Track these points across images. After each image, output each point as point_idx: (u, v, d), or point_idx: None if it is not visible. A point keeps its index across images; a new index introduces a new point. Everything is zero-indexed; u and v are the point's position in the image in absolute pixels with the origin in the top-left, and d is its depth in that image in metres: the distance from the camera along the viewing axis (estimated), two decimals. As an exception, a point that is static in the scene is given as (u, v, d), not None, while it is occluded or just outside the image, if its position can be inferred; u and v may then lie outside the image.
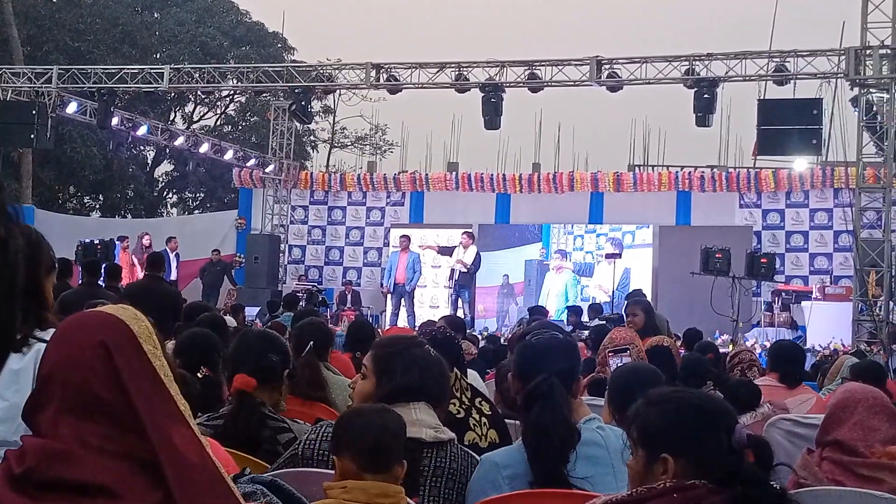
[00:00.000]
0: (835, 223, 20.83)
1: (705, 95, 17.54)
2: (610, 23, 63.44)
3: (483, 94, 18.73)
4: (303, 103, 20.28)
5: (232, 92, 31.97)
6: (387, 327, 18.16)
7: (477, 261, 20.19)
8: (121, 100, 22.56)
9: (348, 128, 40.61)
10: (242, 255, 23.72)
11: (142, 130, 23.28)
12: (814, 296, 18.17)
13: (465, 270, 20.05)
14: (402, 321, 19.98)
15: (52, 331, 1.83)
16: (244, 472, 2.64)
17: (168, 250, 20.84)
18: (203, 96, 31.97)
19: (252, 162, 25.27)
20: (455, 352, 4.67)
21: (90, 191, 36.57)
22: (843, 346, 15.63)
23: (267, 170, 24.71)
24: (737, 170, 22.79)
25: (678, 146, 28.02)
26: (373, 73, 19.67)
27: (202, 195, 39.48)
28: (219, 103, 38.05)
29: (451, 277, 20.49)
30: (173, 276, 19.92)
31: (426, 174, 24.36)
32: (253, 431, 3.98)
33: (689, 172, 22.45)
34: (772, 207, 21.53)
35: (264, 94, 23.97)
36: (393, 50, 53.73)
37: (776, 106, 17.60)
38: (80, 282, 11.04)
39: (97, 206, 37.50)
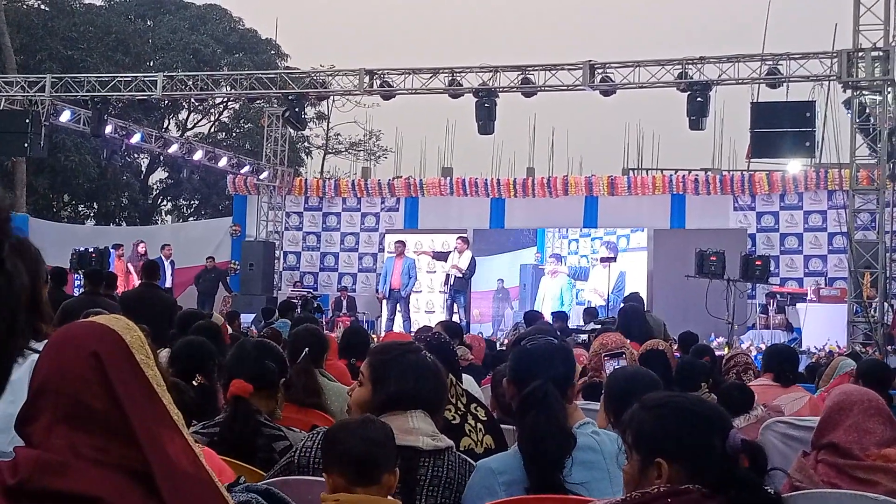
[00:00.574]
0: (829, 225, 20.86)
1: (698, 99, 17.57)
2: (603, 27, 63.57)
3: (476, 100, 18.75)
4: (296, 110, 20.28)
5: (225, 99, 31.97)
6: (382, 333, 18.16)
7: (472, 266, 20.19)
8: (114, 108, 22.56)
9: (342, 134, 40.69)
10: (237, 262, 23.71)
11: (135, 138, 23.28)
12: (809, 298, 18.21)
13: (461, 275, 20.05)
14: (398, 327, 19.98)
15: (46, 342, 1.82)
16: (239, 480, 2.63)
17: (163, 258, 20.84)
18: (197, 104, 32.07)
19: (246, 169, 25.26)
20: (450, 357, 4.66)
21: (84, 199, 36.57)
22: (839, 347, 15.66)
23: (261, 176, 24.70)
24: (731, 173, 22.83)
25: (672, 150, 28.09)
26: (366, 79, 19.68)
27: (196, 202, 39.49)
28: (212, 110, 38.13)
29: (446, 282, 20.49)
30: (168, 284, 19.90)
31: (420, 179, 24.37)
32: (248, 439, 3.97)
33: (683, 176, 22.48)
34: (766, 210, 21.55)
35: (258, 101, 24.01)
36: (386, 56, 53.83)
37: (769, 109, 17.63)
38: (83, 290, 11.06)
39: (91, 214, 37.50)
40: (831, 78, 17.29)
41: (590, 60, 18.36)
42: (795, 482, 4.02)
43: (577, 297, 21.46)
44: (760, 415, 5.83)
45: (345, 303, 22.34)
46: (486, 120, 18.70)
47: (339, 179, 26.90)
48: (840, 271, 19.99)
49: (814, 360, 13.96)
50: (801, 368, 10.63)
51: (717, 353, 10.71)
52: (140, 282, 12.14)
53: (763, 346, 16.48)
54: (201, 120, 39.15)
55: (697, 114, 17.61)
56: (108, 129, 21.73)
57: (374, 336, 11.65)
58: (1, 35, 28.17)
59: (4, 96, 21.38)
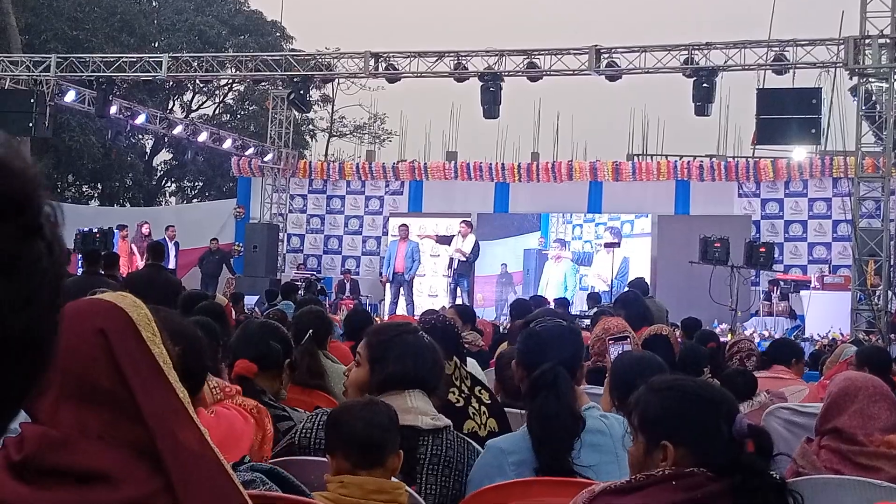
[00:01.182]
0: (833, 212, 20.83)
1: (704, 85, 17.52)
2: (609, 12, 63.33)
3: (482, 84, 18.71)
4: (301, 92, 20.25)
5: (230, 81, 31.95)
6: (386, 316, 18.16)
7: (475, 250, 20.19)
8: (119, 88, 22.51)
9: (347, 117, 40.68)
10: (241, 244, 23.72)
11: (140, 119, 23.27)
12: (812, 285, 18.20)
13: (464, 259, 20.05)
14: (401, 310, 19.99)
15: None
16: (243, 459, 2.64)
17: (167, 239, 20.84)
18: (201, 85, 31.95)
19: (251, 151, 25.26)
20: (454, 340, 4.66)
21: (89, 179, 36.57)
22: (842, 335, 15.65)
23: (265, 159, 24.69)
24: (735, 159, 22.78)
25: (677, 135, 28.08)
26: (371, 62, 19.64)
27: (201, 184, 39.48)
28: (217, 92, 38.07)
29: (449, 266, 20.49)
30: (171, 265, 19.91)
31: (425, 163, 24.35)
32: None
33: (688, 162, 22.44)
34: (770, 197, 21.52)
35: (263, 83, 23.93)
36: (391, 39, 53.68)
37: (775, 95, 17.59)
38: (81, 270, 11.04)
39: (96, 195, 37.51)
40: (838, 65, 17.25)
41: (595, 45, 18.32)
42: (799, 468, 4.02)
43: (580, 283, 21.45)
44: (764, 401, 5.83)
45: (348, 286, 22.35)
46: (491, 104, 18.67)
47: (343, 162, 26.86)
48: (844, 259, 19.97)
49: (817, 347, 13.95)
50: (805, 357, 10.63)
51: (721, 339, 10.71)
52: (146, 263, 12.14)
53: (766, 333, 16.51)
54: (206, 101, 39.12)
55: (703, 100, 17.58)
56: (113, 109, 21.72)
57: (377, 319, 11.65)
58: (6, 15, 28.11)
59: (9, 76, 21.36)
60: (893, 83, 16.63)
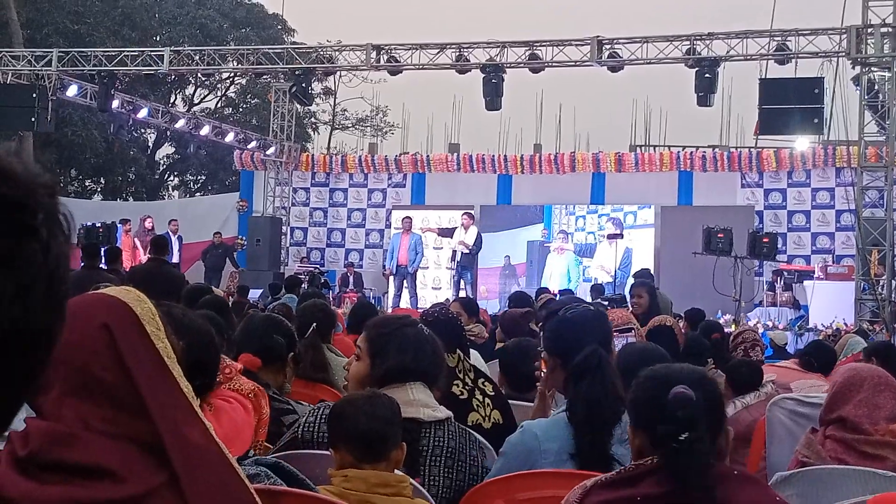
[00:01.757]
0: (837, 202, 20.80)
1: (706, 75, 17.50)
2: (611, 3, 63.26)
3: (484, 75, 18.69)
4: (303, 85, 20.24)
5: (232, 74, 31.89)
6: (389, 309, 18.17)
7: (478, 241, 20.19)
8: (121, 82, 22.51)
9: (349, 109, 40.67)
10: (244, 238, 23.73)
11: (142, 113, 23.26)
12: (816, 275, 18.18)
13: (467, 251, 20.04)
14: (405, 303, 20.00)
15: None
16: (248, 454, 2.64)
17: (170, 233, 20.85)
18: (203, 79, 31.99)
19: (253, 144, 25.25)
20: (457, 332, 4.66)
21: (91, 174, 36.60)
22: (846, 325, 15.64)
23: (268, 152, 24.68)
24: (738, 149, 22.76)
25: (679, 126, 28.05)
26: (373, 55, 19.61)
27: (203, 178, 39.50)
28: (219, 85, 38.06)
29: (452, 259, 20.49)
30: (175, 259, 19.92)
31: (427, 155, 24.34)
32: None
33: (691, 152, 22.43)
34: (773, 187, 21.50)
35: (264, 77, 23.94)
36: (393, 31, 53.75)
37: (778, 85, 17.58)
38: (81, 265, 11.03)
39: (98, 190, 37.54)
40: (840, 54, 17.22)
41: (598, 36, 18.29)
42: (803, 458, 4.02)
43: (583, 274, 21.45)
44: (769, 392, 5.82)
45: (351, 279, 22.35)
46: (493, 96, 18.65)
47: (345, 155, 26.84)
48: (847, 249, 19.95)
49: (821, 337, 13.94)
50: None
51: (725, 329, 10.70)
52: (148, 257, 12.14)
53: (770, 324, 16.50)
54: (208, 95, 39.10)
55: (705, 90, 17.55)
56: (115, 103, 21.71)
57: (381, 312, 11.65)
58: (8, 10, 28.10)
59: (11, 70, 21.36)
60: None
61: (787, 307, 18.08)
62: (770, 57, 17.68)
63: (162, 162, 39.66)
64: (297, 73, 20.20)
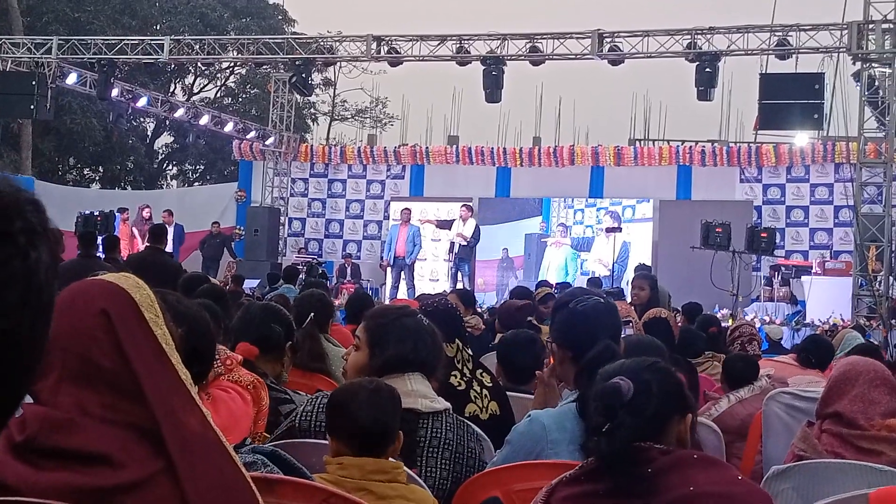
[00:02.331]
0: (835, 198, 20.78)
1: (707, 69, 17.50)
2: (611, -4, 63.14)
3: (484, 68, 18.68)
4: (303, 75, 20.23)
5: (232, 64, 31.89)
6: (387, 300, 18.16)
7: (476, 234, 20.19)
8: (121, 71, 22.50)
9: (349, 100, 40.67)
10: (242, 228, 23.71)
11: (142, 102, 23.22)
12: (814, 271, 18.18)
13: (465, 243, 20.04)
14: (402, 294, 19.99)
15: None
16: (245, 442, 2.64)
17: (164, 224, 20.83)
18: (203, 68, 31.98)
19: (252, 134, 25.23)
20: (457, 322, 4.66)
21: (90, 162, 36.58)
22: (843, 321, 15.66)
23: (267, 142, 24.66)
24: (737, 144, 22.74)
25: (679, 120, 27.97)
26: (373, 46, 19.59)
27: (202, 167, 39.49)
28: (219, 75, 38.04)
29: (450, 251, 20.49)
30: (168, 250, 19.89)
31: (426, 147, 24.30)
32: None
33: (690, 147, 22.40)
34: (772, 182, 21.49)
35: (264, 67, 23.93)
36: (394, 22, 53.47)
37: (778, 80, 17.57)
38: (78, 253, 11.02)
39: (97, 178, 37.53)
40: (841, 50, 17.21)
41: (598, 29, 18.28)
42: (799, 452, 4.03)
43: (581, 267, 21.45)
44: (764, 386, 5.82)
45: (349, 270, 22.34)
46: (493, 88, 18.64)
47: (344, 146, 26.83)
48: (845, 244, 19.95)
49: (818, 332, 13.95)
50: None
51: (722, 324, 10.71)
52: (146, 245, 12.13)
53: (767, 319, 16.51)
54: (207, 84, 39.08)
55: (706, 84, 17.55)
56: (115, 92, 21.69)
57: (378, 302, 11.65)
58: (7, -4, 28.08)
59: (11, 58, 21.33)
60: (896, 68, 16.61)
61: (784, 302, 18.09)
62: (771, 52, 17.68)
63: (161, 151, 39.64)
64: (297, 63, 20.18)
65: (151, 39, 21.64)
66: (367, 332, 3.59)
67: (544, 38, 18.80)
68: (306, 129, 35.93)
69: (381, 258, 21.98)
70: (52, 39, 21.38)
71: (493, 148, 23.54)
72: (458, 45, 19.14)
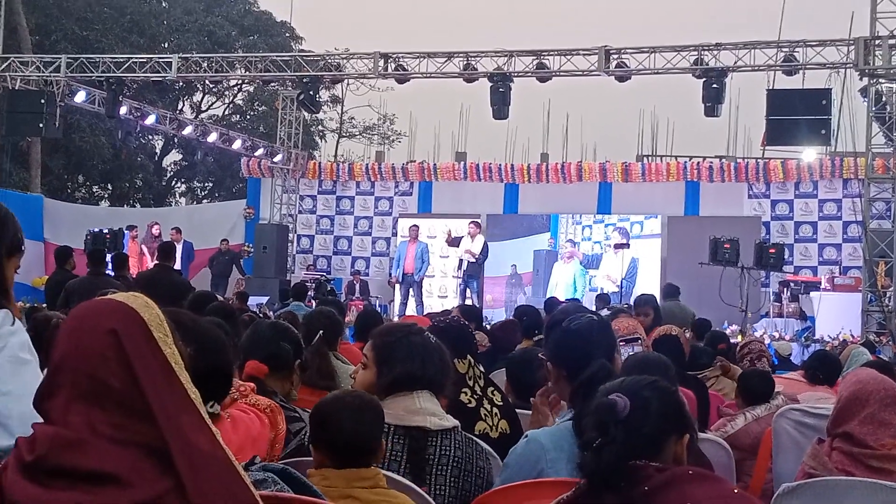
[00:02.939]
0: (844, 214, 20.77)
1: (714, 85, 17.49)
2: (619, 12, 63.32)
3: (491, 84, 18.68)
4: (311, 93, 20.25)
5: (240, 81, 32.00)
6: (395, 317, 18.15)
7: (485, 250, 20.18)
8: (129, 89, 22.57)
9: (356, 117, 40.66)
10: (251, 245, 23.72)
11: (150, 120, 23.29)
12: (823, 286, 18.13)
13: (474, 260, 20.03)
14: (411, 311, 19.97)
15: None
16: (254, 460, 2.64)
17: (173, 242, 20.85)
18: (211, 85, 31.97)
19: (260, 151, 25.28)
20: (468, 339, 4.65)
21: (99, 180, 36.64)
22: (853, 336, 15.60)
23: (275, 159, 24.71)
24: (745, 160, 22.73)
25: (687, 136, 28.06)
26: (381, 63, 19.62)
27: (210, 185, 39.54)
28: (227, 93, 38.11)
29: (459, 267, 20.48)
30: (177, 267, 19.91)
31: (434, 164, 24.34)
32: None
33: (698, 163, 22.40)
34: (780, 198, 21.47)
35: (272, 84, 23.92)
36: (401, 39, 53.57)
37: (785, 96, 17.54)
38: (87, 271, 11.04)
39: (106, 196, 37.60)
40: (848, 65, 17.20)
41: (605, 46, 18.29)
42: (810, 469, 4.01)
43: (589, 284, 21.42)
44: (780, 404, 5.77)
45: (357, 287, 22.34)
46: (500, 105, 18.64)
47: (352, 163, 26.85)
48: (854, 260, 19.92)
49: (827, 348, 13.91)
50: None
51: (731, 340, 10.69)
52: (155, 263, 12.13)
53: (776, 335, 16.48)
54: (216, 102, 39.15)
55: (713, 100, 17.54)
56: (123, 110, 21.77)
57: (387, 320, 11.64)
58: (16, 15, 28.15)
59: (20, 76, 21.40)
60: (904, 84, 16.60)
61: (793, 318, 18.04)
62: (778, 68, 17.67)
63: (169, 168, 39.71)
64: (304, 80, 20.22)
65: (159, 57, 21.69)
66: (374, 351, 3.59)
67: (551, 55, 18.81)
68: (314, 146, 35.98)
69: (390, 275, 21.97)
70: (60, 58, 21.43)
71: (500, 164, 23.57)
72: (465, 62, 19.15)
